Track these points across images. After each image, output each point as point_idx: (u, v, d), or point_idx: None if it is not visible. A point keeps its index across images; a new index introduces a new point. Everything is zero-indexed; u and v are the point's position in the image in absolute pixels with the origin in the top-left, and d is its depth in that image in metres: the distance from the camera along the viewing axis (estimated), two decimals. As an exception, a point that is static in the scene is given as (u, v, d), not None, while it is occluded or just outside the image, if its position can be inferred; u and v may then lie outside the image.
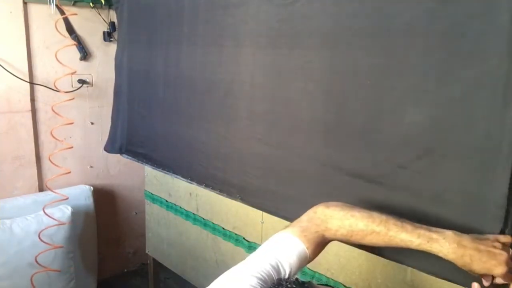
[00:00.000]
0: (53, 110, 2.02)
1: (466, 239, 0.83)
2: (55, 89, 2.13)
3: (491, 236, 0.85)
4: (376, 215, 0.89)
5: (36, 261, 1.94)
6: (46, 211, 2.00)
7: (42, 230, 1.96)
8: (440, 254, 0.83)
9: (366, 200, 1.10)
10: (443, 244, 0.82)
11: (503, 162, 0.86)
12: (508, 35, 0.83)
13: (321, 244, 0.91)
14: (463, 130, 0.91)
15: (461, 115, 0.91)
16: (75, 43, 2.17)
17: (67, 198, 2.05)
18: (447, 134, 0.94)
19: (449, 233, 0.84)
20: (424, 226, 0.86)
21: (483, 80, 0.87)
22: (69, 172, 2.10)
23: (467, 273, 0.86)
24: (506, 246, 0.83)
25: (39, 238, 1.94)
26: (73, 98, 2.14)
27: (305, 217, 0.94)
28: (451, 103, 0.93)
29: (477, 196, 0.90)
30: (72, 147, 2.12)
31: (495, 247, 0.81)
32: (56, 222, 1.99)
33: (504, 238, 0.85)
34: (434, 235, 0.84)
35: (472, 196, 0.91)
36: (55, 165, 2.04)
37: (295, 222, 0.95)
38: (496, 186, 0.87)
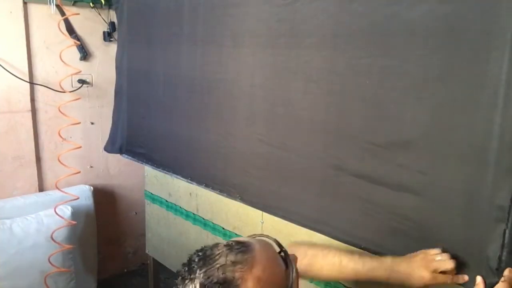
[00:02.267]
0: (59, 111, 2.01)
1: (398, 262, 0.95)
2: (55, 89, 2.13)
3: (422, 250, 0.95)
4: (332, 248, 1.04)
5: (45, 261, 1.94)
6: (46, 211, 2.00)
7: (54, 230, 1.96)
8: (383, 279, 0.95)
9: (367, 200, 1.10)
10: (382, 273, 0.95)
11: (504, 162, 0.86)
12: (509, 35, 0.83)
13: None
14: (464, 130, 0.91)
15: (462, 115, 0.91)
16: (76, 42, 2.17)
17: (77, 198, 2.05)
18: (448, 134, 0.94)
19: (388, 260, 0.96)
20: (369, 254, 1.01)
21: (483, 80, 0.87)
22: (79, 172, 2.09)
23: (467, 274, 0.87)
24: (431, 253, 0.93)
25: (52, 239, 1.94)
26: (80, 98, 2.14)
27: None
28: (451, 103, 0.93)
29: (478, 196, 0.90)
30: (80, 147, 2.11)
31: (420, 257, 0.93)
32: (64, 222, 1.99)
33: (433, 251, 0.94)
34: (375, 263, 0.97)
35: (473, 196, 0.91)
36: (64, 165, 2.03)
37: None
38: (498, 187, 0.87)
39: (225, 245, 0.75)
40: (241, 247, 0.74)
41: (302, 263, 0.97)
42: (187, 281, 0.71)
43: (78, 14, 2.08)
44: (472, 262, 0.92)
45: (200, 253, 0.76)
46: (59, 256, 2.05)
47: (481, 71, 0.87)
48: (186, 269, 0.73)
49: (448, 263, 0.90)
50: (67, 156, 2.27)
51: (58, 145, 2.28)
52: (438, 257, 0.92)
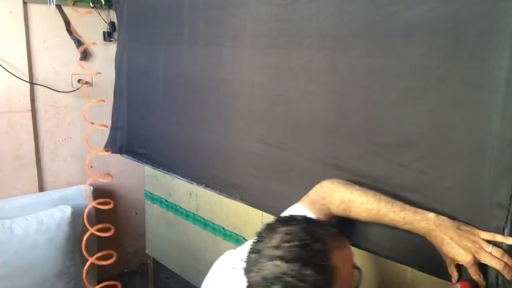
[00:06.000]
0: (84, 119, 1.99)
1: (445, 224, 0.90)
2: (55, 89, 2.13)
3: (476, 230, 0.89)
4: (371, 195, 1.00)
5: (45, 261, 1.94)
6: (46, 211, 2.00)
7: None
8: (420, 233, 0.92)
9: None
10: (424, 225, 0.91)
11: (504, 162, 0.86)
12: (509, 35, 0.83)
13: (328, 215, 1.03)
14: (464, 129, 0.91)
15: (462, 114, 0.91)
16: (76, 42, 2.17)
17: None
18: (448, 133, 0.94)
19: (431, 215, 0.92)
20: (412, 208, 0.95)
21: (483, 80, 0.87)
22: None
23: (466, 273, 0.87)
24: (483, 241, 0.87)
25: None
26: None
27: (312, 192, 1.09)
28: (451, 103, 0.93)
29: (478, 196, 0.90)
30: (106, 126, 2.09)
31: (471, 240, 0.86)
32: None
33: (486, 235, 0.88)
34: (418, 217, 0.92)
35: (473, 196, 0.91)
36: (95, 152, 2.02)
37: (304, 197, 1.08)
38: (498, 186, 0.87)
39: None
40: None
41: (340, 208, 1.02)
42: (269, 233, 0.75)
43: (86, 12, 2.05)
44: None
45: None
46: (59, 256, 2.05)
47: (481, 71, 0.87)
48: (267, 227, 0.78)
49: (498, 263, 0.83)
50: (66, 156, 2.27)
51: (58, 145, 2.28)
52: (490, 249, 0.84)
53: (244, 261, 0.76)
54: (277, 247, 0.72)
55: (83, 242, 1.98)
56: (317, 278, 0.69)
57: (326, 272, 0.70)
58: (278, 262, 0.69)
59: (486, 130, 0.87)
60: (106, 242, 2.54)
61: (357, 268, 0.80)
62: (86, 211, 2.04)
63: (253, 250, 0.75)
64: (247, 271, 0.74)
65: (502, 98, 0.84)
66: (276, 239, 0.73)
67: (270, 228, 0.76)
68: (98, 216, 2.39)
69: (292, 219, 0.78)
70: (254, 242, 0.76)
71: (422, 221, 0.91)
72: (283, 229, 0.74)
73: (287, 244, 0.71)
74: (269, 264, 0.70)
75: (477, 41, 0.88)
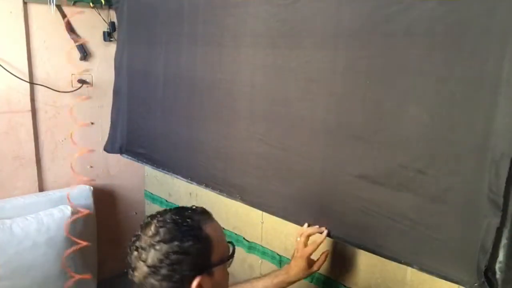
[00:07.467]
0: (70, 114, 2.01)
1: (290, 265, 1.21)
2: (55, 89, 2.13)
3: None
4: (250, 280, 1.23)
5: (45, 261, 1.94)
6: (46, 211, 2.00)
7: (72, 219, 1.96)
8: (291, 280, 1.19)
9: (367, 200, 1.11)
10: (284, 278, 1.20)
11: (503, 162, 0.86)
12: (508, 35, 0.83)
13: None
14: (464, 130, 0.91)
15: (462, 114, 0.91)
16: (78, 41, 2.17)
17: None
18: (448, 133, 0.94)
19: (285, 266, 1.23)
20: (278, 270, 1.26)
21: (483, 80, 0.87)
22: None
23: (467, 273, 0.87)
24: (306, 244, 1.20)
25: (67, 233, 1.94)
26: (89, 98, 2.13)
27: None
28: (451, 103, 0.93)
29: (478, 196, 0.90)
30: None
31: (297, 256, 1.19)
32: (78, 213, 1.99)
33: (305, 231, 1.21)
34: (278, 272, 1.23)
35: (472, 196, 0.91)
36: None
37: None
38: (496, 186, 0.87)
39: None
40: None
41: None
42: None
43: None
44: (468, 260, 0.92)
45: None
46: (59, 256, 2.05)
47: (481, 71, 0.87)
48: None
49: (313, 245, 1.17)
50: (66, 156, 2.27)
51: (58, 145, 2.28)
52: (298, 238, 1.18)
53: (128, 263, 0.81)
54: (154, 234, 0.79)
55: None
56: (197, 247, 0.77)
57: (203, 240, 0.79)
58: (158, 247, 0.77)
59: (486, 130, 0.88)
60: (106, 243, 2.54)
61: (230, 242, 0.87)
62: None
63: (133, 249, 0.81)
64: (133, 269, 0.79)
65: (502, 98, 0.84)
66: (151, 229, 0.81)
67: (143, 225, 0.84)
68: (98, 216, 2.39)
69: (161, 211, 0.87)
70: (131, 242, 0.83)
71: (282, 276, 1.20)
72: (155, 220, 0.83)
73: (162, 229, 0.79)
74: (151, 251, 0.77)
75: (477, 41, 0.88)
